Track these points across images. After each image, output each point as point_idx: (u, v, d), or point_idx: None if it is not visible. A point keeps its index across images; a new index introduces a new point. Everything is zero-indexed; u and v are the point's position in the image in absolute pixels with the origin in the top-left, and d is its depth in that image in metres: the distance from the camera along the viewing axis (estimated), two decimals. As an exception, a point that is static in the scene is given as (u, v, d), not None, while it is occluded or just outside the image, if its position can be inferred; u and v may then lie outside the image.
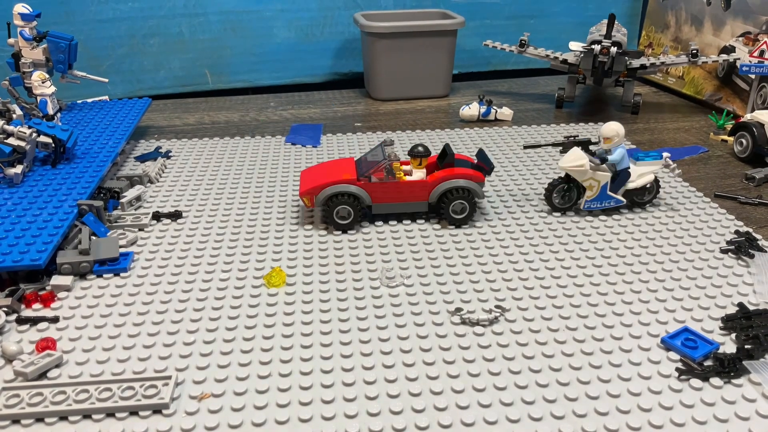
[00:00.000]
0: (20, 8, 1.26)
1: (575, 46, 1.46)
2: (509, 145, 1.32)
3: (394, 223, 1.00)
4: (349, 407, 0.63)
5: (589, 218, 1.01)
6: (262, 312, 0.78)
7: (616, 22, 1.41)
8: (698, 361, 0.69)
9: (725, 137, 1.35)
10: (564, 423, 0.62)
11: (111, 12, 1.57)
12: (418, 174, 0.99)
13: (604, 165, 0.99)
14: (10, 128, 1.04)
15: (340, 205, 0.96)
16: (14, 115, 1.11)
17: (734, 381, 0.67)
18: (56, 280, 0.83)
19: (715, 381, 0.67)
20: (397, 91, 1.63)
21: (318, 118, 1.51)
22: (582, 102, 1.62)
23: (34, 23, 1.27)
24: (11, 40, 1.28)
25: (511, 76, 1.86)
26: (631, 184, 1.02)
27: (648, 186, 1.04)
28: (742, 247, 0.92)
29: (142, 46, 1.62)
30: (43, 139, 1.07)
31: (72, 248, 0.88)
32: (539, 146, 1.11)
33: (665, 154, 1.04)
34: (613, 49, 1.40)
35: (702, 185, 1.14)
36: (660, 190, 1.05)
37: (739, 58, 1.44)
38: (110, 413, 0.63)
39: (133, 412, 0.63)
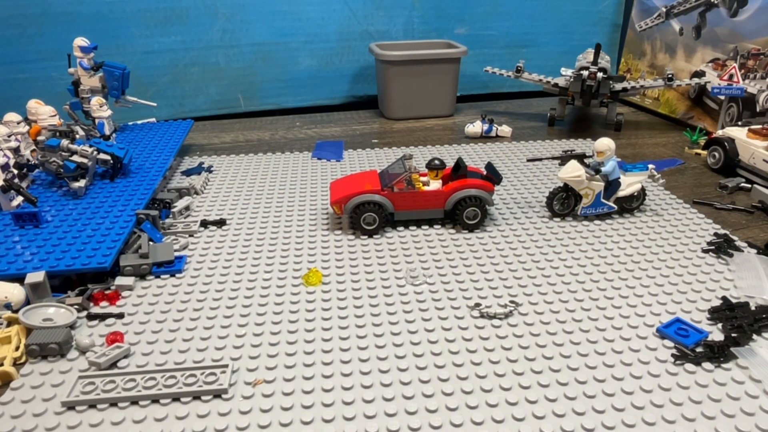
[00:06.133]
0: (80, 41, 1.26)
1: (566, 71, 1.47)
2: (510, 158, 1.32)
3: (414, 228, 0.99)
4: (387, 392, 0.63)
5: (585, 222, 1.01)
6: (303, 308, 0.78)
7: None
8: (691, 347, 0.69)
9: (699, 151, 1.35)
10: (576, 403, 0.62)
11: (156, 45, 1.57)
12: (435, 184, 0.99)
13: (598, 175, 1.00)
14: (74, 147, 1.04)
15: (366, 213, 0.96)
16: (77, 136, 1.11)
17: (724, 365, 0.67)
18: (120, 280, 0.83)
19: (707, 365, 0.67)
20: (408, 111, 1.63)
21: (339, 136, 1.51)
22: (571, 120, 1.62)
23: (92, 54, 1.27)
24: (71, 70, 1.29)
25: (507, 98, 1.85)
26: (622, 193, 1.02)
27: (636, 194, 1.04)
28: (722, 248, 0.92)
29: (184, 74, 1.62)
30: (102, 156, 1.07)
31: (132, 252, 0.88)
32: (541, 159, 1.11)
33: (651, 166, 1.05)
34: (600, 75, 1.40)
35: (681, 193, 1.14)
36: (646, 197, 1.05)
37: (709, 81, 1.44)
38: (176, 398, 0.63)
39: (196, 396, 0.63)
